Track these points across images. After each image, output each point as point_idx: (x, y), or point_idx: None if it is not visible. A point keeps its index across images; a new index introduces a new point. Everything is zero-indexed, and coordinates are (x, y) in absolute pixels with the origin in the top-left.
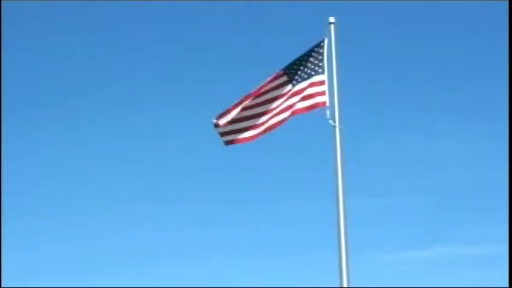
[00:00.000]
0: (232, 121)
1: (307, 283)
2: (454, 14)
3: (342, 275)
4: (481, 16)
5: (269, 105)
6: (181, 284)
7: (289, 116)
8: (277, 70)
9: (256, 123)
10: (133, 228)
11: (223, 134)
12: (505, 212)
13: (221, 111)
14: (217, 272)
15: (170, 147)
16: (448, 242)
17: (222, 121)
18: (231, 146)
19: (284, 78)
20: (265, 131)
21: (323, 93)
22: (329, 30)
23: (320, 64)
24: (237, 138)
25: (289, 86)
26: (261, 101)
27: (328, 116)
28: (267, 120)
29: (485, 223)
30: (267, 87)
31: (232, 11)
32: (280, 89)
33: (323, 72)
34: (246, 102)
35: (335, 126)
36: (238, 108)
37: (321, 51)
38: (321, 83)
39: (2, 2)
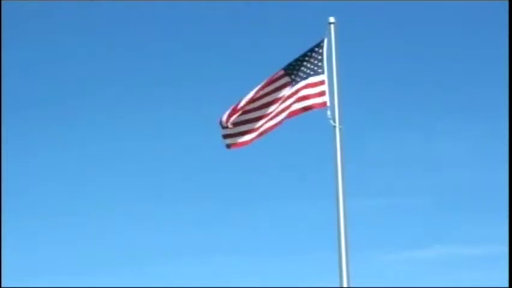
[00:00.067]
0: (235, 124)
1: (307, 283)
2: (454, 14)
3: (342, 275)
4: (481, 16)
5: (267, 108)
6: (181, 284)
7: (284, 118)
8: (277, 70)
9: (254, 126)
10: (133, 228)
11: (225, 136)
12: (505, 212)
13: (229, 111)
14: (217, 272)
15: (170, 147)
16: (448, 242)
17: (229, 122)
18: (231, 150)
19: (285, 80)
20: (261, 134)
21: (319, 94)
22: (329, 30)
23: (319, 64)
24: (237, 142)
25: (289, 88)
26: (260, 104)
27: (328, 116)
28: (264, 124)
29: (485, 223)
30: (268, 89)
31: (232, 11)
32: (279, 92)
33: (322, 73)
34: (247, 106)
35: (335, 126)
36: (240, 111)
37: (320, 51)
38: (319, 83)
39: (2, 2)
